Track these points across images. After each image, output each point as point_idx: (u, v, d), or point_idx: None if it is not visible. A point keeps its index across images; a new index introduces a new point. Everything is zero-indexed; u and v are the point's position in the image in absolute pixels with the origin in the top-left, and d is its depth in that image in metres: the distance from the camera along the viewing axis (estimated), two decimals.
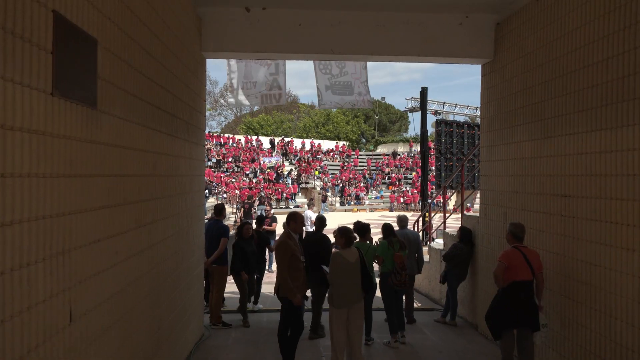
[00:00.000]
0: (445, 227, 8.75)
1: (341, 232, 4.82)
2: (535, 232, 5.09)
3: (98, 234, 2.89)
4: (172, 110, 4.71)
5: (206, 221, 8.83)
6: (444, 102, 13.05)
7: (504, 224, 5.88)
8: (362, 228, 6.10)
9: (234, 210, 23.25)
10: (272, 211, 30.23)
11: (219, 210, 7.34)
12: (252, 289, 7.16)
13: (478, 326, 6.70)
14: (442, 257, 7.12)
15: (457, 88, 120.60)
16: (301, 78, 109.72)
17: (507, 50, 5.94)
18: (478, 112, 13.91)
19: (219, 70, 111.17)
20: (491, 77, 6.38)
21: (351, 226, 5.65)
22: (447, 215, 8.84)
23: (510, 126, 5.79)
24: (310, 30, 6.09)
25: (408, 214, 27.55)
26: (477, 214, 7.24)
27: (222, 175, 31.36)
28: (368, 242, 6.19)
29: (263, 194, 29.87)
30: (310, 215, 14.41)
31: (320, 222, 7.05)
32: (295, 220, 5.25)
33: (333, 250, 4.85)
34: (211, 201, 25.37)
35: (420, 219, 12.15)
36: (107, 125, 3.02)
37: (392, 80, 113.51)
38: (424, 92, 12.44)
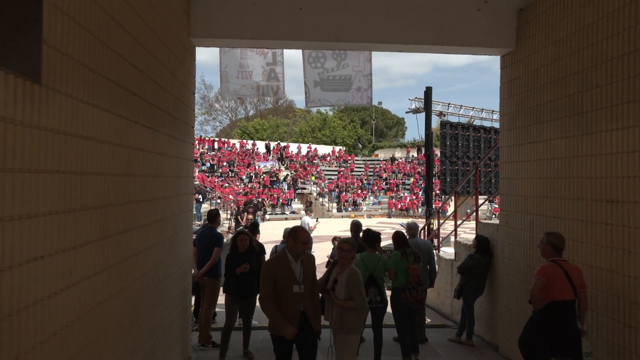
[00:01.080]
0: (456, 235, 8.09)
1: (355, 245, 4.15)
2: (573, 243, 4.43)
3: (43, 247, 2.20)
4: (153, 100, 4.02)
5: (198, 228, 8.16)
6: (449, 104, 12.44)
7: (530, 233, 5.23)
8: (372, 237, 5.44)
9: (228, 216, 22.50)
10: (267, 217, 29.35)
11: (213, 216, 6.65)
12: (248, 314, 5.92)
13: (499, 347, 6.02)
14: (457, 269, 6.45)
15: (453, 95, 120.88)
16: (297, 84, 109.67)
17: (532, 38, 5.31)
18: (484, 115, 13.32)
19: (214, 75, 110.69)
20: (513, 68, 5.75)
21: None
22: (460, 222, 8.18)
23: (537, 122, 5.15)
24: (312, 15, 5.43)
25: (407, 220, 26.75)
26: (495, 221, 6.59)
27: (216, 179, 30.59)
28: (378, 252, 5.52)
29: (259, 200, 29.15)
30: (308, 222, 13.73)
31: (357, 227, 6.46)
32: (295, 237, 3.93)
33: (352, 267, 4.14)
34: (205, 207, 24.62)
35: (427, 226, 11.47)
36: (58, 107, 2.34)
37: (387, 86, 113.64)
38: (428, 92, 11.82)
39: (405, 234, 6.56)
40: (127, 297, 3.40)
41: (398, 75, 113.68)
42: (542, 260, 4.84)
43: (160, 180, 4.30)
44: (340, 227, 25.85)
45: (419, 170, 39.11)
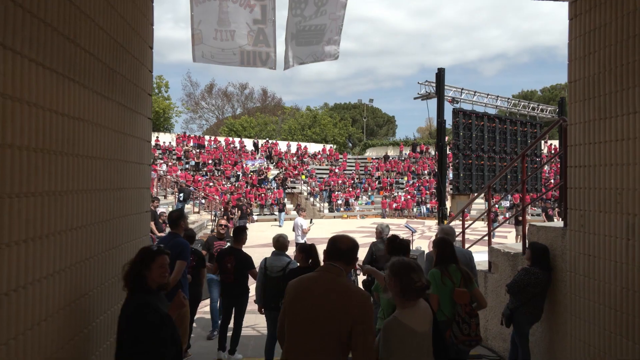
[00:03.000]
0: (490, 241, 6.54)
1: (404, 268, 2.53)
2: None
3: None
4: (57, 23, 2.39)
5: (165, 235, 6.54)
6: (462, 89, 10.93)
7: (629, 242, 3.69)
8: (400, 247, 3.85)
9: (213, 217, 20.79)
10: (255, 218, 27.70)
11: (174, 219, 4.98)
12: None
13: None
14: (506, 288, 4.89)
15: None
16: (284, 84, 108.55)
17: None
18: (499, 103, 11.85)
19: (200, 74, 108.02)
20: (592, 15, 4.20)
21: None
22: (497, 225, 6.63)
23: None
24: None
25: (402, 221, 25.34)
26: (556, 224, 5.06)
27: (200, 178, 28.74)
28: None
29: (245, 200, 27.46)
30: (301, 223, 12.12)
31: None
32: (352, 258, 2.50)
33: (390, 317, 2.49)
34: (188, 207, 22.83)
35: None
36: None
37: (374, 87, 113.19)
38: (440, 74, 10.26)
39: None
40: None
41: (385, 76, 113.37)
42: None
43: (80, 162, 2.65)
44: (333, 228, 24.26)
45: (413, 168, 37.73)
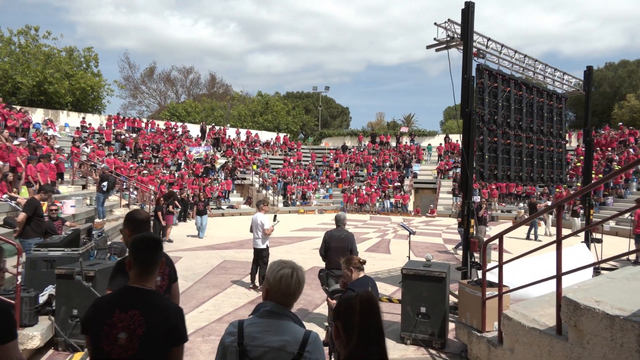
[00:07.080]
0: None
1: None
2: None
3: None
4: None
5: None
6: (488, 39, 8.02)
7: None
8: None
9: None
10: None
11: None
12: None
13: None
14: None
15: (387, 93, 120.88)
16: (232, 75, 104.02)
17: None
18: (525, 64, 9.03)
19: (139, 58, 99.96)
20: None
21: None
22: None
23: None
24: None
25: (365, 217, 22.23)
26: None
27: (131, 165, 24.30)
28: None
29: (185, 191, 23.48)
30: (262, 221, 8.77)
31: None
32: None
33: None
34: (114, 199, 18.67)
35: (465, 230, 6.94)
36: None
37: (323, 82, 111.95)
38: (468, 10, 7.05)
39: None
40: None
41: (333, 71, 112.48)
42: None
43: None
44: (292, 224, 21.01)
45: (374, 160, 35.08)
